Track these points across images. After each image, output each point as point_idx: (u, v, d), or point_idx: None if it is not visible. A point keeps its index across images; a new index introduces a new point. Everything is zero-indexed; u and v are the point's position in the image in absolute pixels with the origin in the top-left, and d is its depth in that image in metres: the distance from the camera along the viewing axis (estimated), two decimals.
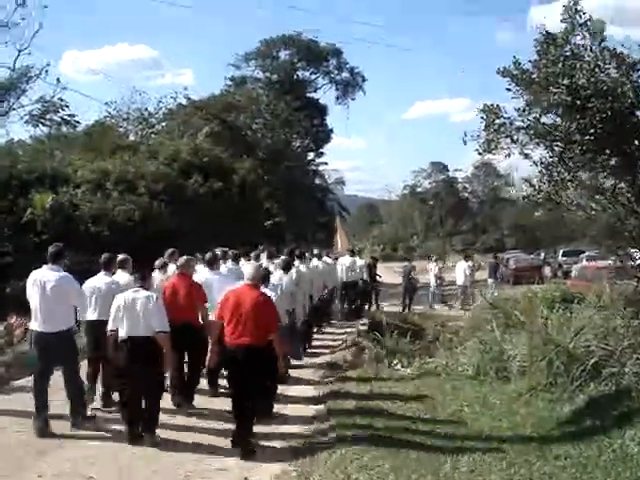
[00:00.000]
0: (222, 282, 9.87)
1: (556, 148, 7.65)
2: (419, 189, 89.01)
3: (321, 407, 9.65)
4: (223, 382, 9.27)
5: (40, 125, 28.67)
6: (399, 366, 12.04)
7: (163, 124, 33.33)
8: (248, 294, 7.78)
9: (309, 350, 14.03)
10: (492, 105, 7.56)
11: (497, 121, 7.51)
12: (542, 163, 7.96)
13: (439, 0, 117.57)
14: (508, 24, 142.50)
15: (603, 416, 8.28)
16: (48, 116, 28.32)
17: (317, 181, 46.51)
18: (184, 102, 33.47)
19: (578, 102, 6.93)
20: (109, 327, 7.95)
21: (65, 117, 28.64)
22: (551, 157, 7.86)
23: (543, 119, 7.57)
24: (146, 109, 33.09)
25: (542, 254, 39.58)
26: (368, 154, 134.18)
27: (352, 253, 21.58)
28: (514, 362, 10.65)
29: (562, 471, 6.78)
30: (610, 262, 28.79)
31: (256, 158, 31.72)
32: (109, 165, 22.71)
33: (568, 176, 7.90)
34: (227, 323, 7.71)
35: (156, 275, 10.26)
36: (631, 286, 18.15)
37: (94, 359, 9.17)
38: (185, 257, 9.91)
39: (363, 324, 18.23)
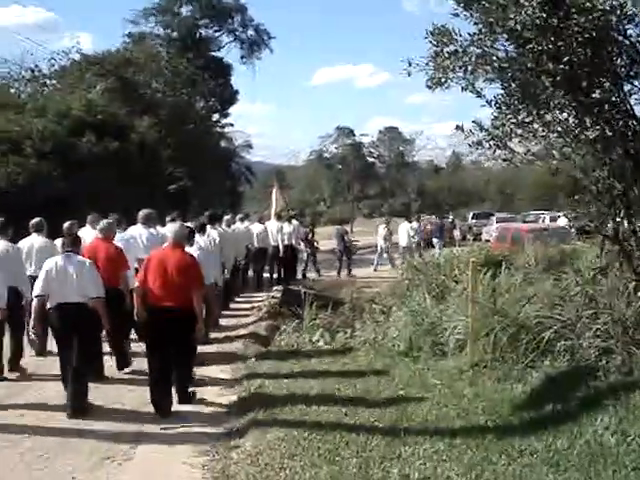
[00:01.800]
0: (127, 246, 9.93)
1: (517, 81, 6.35)
2: (326, 154, 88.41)
3: (240, 389, 8.46)
4: None
5: None
6: (321, 342, 10.65)
7: (55, 82, 30.72)
8: (172, 255, 7.70)
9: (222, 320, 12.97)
10: (443, 27, 6.20)
11: (448, 48, 6.18)
12: (497, 103, 6.68)
13: None
14: None
15: (564, 398, 7.12)
16: None
17: (223, 144, 44.46)
18: (77, 58, 30.94)
19: (555, 20, 5.68)
20: (36, 292, 7.58)
21: None
22: (509, 94, 6.58)
23: (502, 45, 6.27)
24: (37, 66, 30.51)
25: (451, 217, 39.29)
26: (274, 120, 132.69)
27: (278, 217, 20.83)
28: (451, 335, 9.47)
29: (531, 471, 5.55)
30: (536, 224, 28.59)
31: (157, 117, 29.57)
32: None
33: (528, 117, 6.62)
34: (151, 284, 7.59)
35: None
36: (555, 248, 17.67)
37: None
38: (106, 220, 9.73)
39: (275, 295, 16.77)
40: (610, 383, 7.29)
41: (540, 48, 5.91)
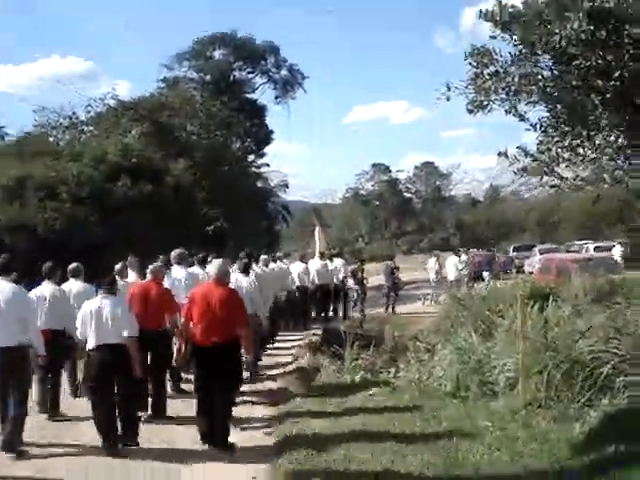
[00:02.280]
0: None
1: (563, 102, 5.94)
2: (362, 192, 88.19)
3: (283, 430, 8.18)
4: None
5: None
6: (364, 384, 10.22)
7: (91, 128, 30.97)
8: (215, 291, 7.74)
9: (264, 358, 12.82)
10: (483, 48, 5.84)
11: (489, 69, 5.81)
12: (542, 126, 6.28)
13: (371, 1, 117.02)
14: (442, 27, 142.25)
15: (628, 438, 6.60)
16: None
17: (259, 184, 44.39)
18: (113, 104, 31.14)
19: (603, 32, 5.30)
20: (78, 336, 7.84)
21: None
22: (555, 116, 6.17)
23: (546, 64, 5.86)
24: (74, 113, 30.80)
25: (493, 250, 38.66)
26: (309, 159, 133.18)
27: (322, 256, 20.62)
28: (501, 374, 8.98)
29: None
30: (580, 254, 27.82)
31: (192, 160, 29.56)
32: (28, 170, 20.41)
33: (576, 140, 6.20)
34: (196, 322, 7.67)
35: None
36: (603, 278, 17.05)
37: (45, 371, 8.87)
38: (157, 263, 9.93)
39: (315, 334, 16.37)
40: None
41: (588, 64, 5.53)
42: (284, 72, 47.02)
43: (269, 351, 13.91)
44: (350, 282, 21.44)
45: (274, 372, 11.92)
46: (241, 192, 35.19)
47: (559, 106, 6.14)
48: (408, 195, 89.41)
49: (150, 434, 8.10)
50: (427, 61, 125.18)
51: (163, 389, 9.21)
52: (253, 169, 43.67)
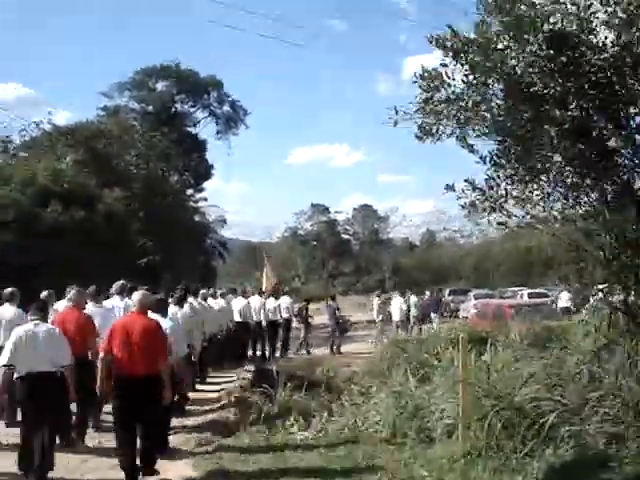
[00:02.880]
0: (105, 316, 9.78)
1: (514, 135, 5.59)
2: (300, 231, 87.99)
3: None
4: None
5: None
6: (295, 428, 9.61)
7: (24, 154, 29.96)
8: (137, 322, 7.57)
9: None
10: (434, 71, 5.48)
11: (440, 94, 5.44)
12: (492, 159, 5.94)
13: (314, 50, 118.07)
14: (384, 75, 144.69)
15: None
16: None
17: (197, 218, 43.69)
18: (48, 129, 30.25)
19: (564, 57, 4.97)
20: (3, 362, 7.30)
21: None
22: (505, 150, 5.83)
23: (499, 93, 5.50)
24: (7, 137, 29.82)
25: (427, 293, 38.46)
26: (249, 198, 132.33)
27: (274, 292, 20.74)
28: (439, 420, 8.55)
29: None
30: (515, 300, 27.94)
31: (129, 190, 28.81)
32: None
33: (527, 176, 5.85)
34: (117, 353, 7.41)
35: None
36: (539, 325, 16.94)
37: None
38: (77, 289, 9.54)
39: (247, 372, 15.72)
40: (626, 475, 6.40)
41: (545, 91, 5.21)
42: (226, 107, 46.81)
43: (202, 387, 13.24)
44: (295, 321, 21.21)
45: (199, 419, 11.22)
46: (178, 225, 34.49)
47: (510, 140, 5.80)
48: (346, 237, 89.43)
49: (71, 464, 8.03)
50: (369, 107, 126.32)
51: (86, 418, 9.13)
52: (191, 203, 43.02)
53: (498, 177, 6.04)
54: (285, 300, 20.50)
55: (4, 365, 7.32)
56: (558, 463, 6.99)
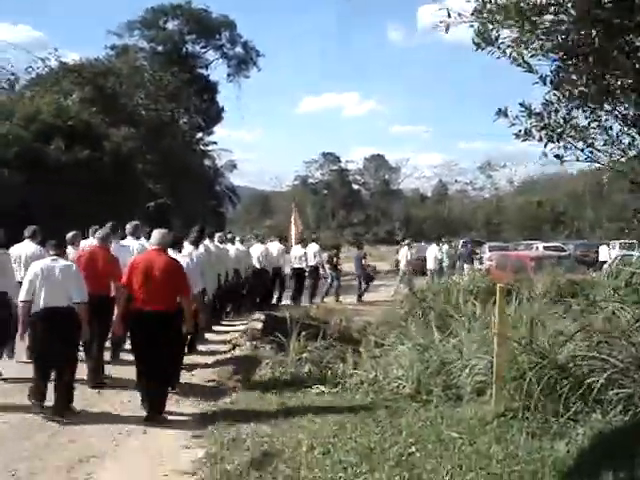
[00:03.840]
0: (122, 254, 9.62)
1: (586, 51, 4.69)
2: (311, 180, 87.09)
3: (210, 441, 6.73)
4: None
5: None
6: (309, 381, 8.90)
7: (30, 91, 28.98)
8: (157, 259, 7.70)
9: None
10: None
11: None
12: (553, 80, 5.04)
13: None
14: (397, 24, 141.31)
15: (623, 460, 5.48)
16: None
17: (206, 162, 42.82)
18: (54, 66, 29.23)
19: None
20: (21, 297, 7.50)
21: None
22: (570, 69, 4.94)
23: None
24: (13, 74, 28.89)
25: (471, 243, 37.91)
26: (260, 147, 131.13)
27: (301, 240, 20.67)
28: (468, 377, 7.83)
29: None
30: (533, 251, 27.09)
31: (136, 130, 27.89)
32: None
33: (598, 97, 4.94)
34: (137, 288, 7.56)
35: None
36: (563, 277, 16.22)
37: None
38: (106, 229, 9.77)
39: (257, 320, 15.05)
40: None
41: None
42: (239, 49, 45.45)
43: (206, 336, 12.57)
44: (326, 268, 20.86)
45: (209, 360, 10.61)
46: (187, 168, 33.69)
47: (576, 59, 4.91)
48: (356, 186, 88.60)
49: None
50: (381, 55, 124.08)
51: (102, 355, 9.16)
52: (201, 146, 42.07)
53: (559, 101, 5.16)
54: (313, 247, 20.15)
55: (22, 300, 7.48)
56: (607, 429, 6.25)
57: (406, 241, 24.61)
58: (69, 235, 10.28)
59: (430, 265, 22.86)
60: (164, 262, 7.68)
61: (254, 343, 11.40)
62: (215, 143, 44.80)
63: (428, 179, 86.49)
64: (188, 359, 9.94)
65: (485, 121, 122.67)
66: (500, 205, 75.27)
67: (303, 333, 10.12)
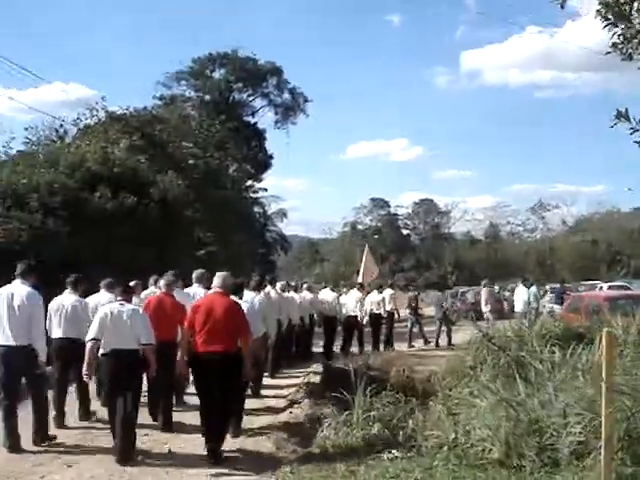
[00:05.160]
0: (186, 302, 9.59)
1: None
2: (360, 226, 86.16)
3: None
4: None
5: None
6: (379, 444, 7.77)
7: (77, 141, 28.75)
8: (218, 301, 7.89)
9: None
10: None
11: None
12: None
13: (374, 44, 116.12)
14: (442, 69, 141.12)
15: None
16: None
17: (256, 209, 42.28)
18: (102, 116, 29.01)
19: None
20: (90, 336, 7.80)
21: None
22: None
23: None
24: (61, 126, 28.75)
25: (496, 288, 36.41)
26: (306, 194, 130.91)
27: (379, 286, 20.45)
28: (568, 437, 6.68)
29: None
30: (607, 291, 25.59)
31: (185, 179, 27.33)
32: None
33: None
34: (199, 330, 7.74)
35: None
36: None
37: (62, 380, 9.33)
38: (169, 276, 9.99)
39: (314, 371, 14.03)
40: None
41: None
42: (286, 95, 45.19)
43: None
44: (406, 312, 21.29)
45: (263, 420, 9.61)
46: (237, 216, 33.08)
47: None
48: (406, 231, 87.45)
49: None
50: (428, 101, 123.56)
51: (171, 400, 9.51)
52: (250, 194, 41.54)
53: None
54: (389, 292, 19.98)
55: (91, 339, 7.77)
56: None
57: (484, 282, 23.56)
58: (132, 283, 9.99)
59: (518, 307, 20.97)
60: (225, 304, 7.86)
61: (313, 399, 10.35)
62: (265, 190, 44.44)
63: (479, 222, 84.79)
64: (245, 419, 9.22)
65: (535, 161, 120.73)
66: (553, 246, 73.39)
67: (368, 388, 9.02)
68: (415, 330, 20.94)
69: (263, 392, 11.80)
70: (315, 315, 17.91)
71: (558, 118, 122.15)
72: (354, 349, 18.92)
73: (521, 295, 21.24)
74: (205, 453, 7.63)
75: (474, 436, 7.37)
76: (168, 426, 9.06)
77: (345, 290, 20.82)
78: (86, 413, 9.54)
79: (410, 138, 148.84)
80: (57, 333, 9.33)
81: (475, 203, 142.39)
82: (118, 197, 19.01)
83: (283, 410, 10.35)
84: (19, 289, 8.07)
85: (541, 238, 78.50)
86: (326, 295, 18.73)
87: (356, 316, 18.78)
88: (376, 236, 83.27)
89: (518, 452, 6.91)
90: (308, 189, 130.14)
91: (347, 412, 8.60)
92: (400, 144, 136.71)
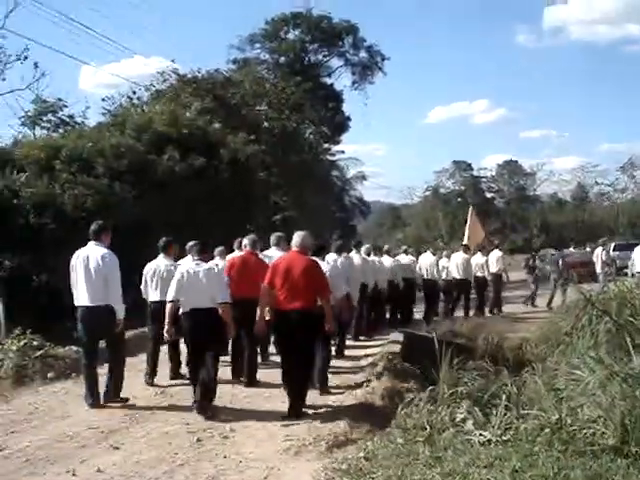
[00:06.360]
0: None
1: None
2: (442, 190, 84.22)
3: None
4: None
5: (37, 127, 25.54)
6: (469, 423, 6.70)
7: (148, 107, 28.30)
8: (298, 260, 8.02)
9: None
10: None
11: None
12: None
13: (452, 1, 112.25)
14: (524, 26, 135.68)
15: None
16: (45, 118, 25.36)
17: (334, 173, 41.19)
18: (174, 81, 28.41)
19: None
20: (169, 297, 8.07)
21: (64, 117, 25.33)
22: None
23: None
24: (134, 92, 28.31)
25: (587, 249, 34.61)
26: (386, 160, 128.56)
27: (482, 248, 20.64)
28: None
29: None
30: None
31: (259, 141, 26.47)
32: (60, 140, 17.62)
33: None
34: (278, 289, 7.87)
35: None
36: None
37: (157, 341, 9.65)
38: (252, 236, 10.43)
39: (395, 341, 13.05)
40: None
41: None
42: (362, 54, 43.71)
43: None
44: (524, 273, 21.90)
45: (335, 398, 8.70)
46: (315, 180, 32.17)
47: None
48: (490, 194, 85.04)
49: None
50: (509, 59, 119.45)
51: (256, 356, 9.76)
52: (328, 157, 40.42)
53: None
54: (496, 254, 19.90)
55: (170, 300, 8.05)
56: None
57: (601, 240, 23.34)
58: (218, 249, 10.77)
59: (638, 267, 19.53)
60: (304, 262, 7.96)
61: (393, 372, 9.35)
62: (343, 152, 43.22)
63: (566, 183, 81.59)
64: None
65: (625, 120, 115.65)
66: None
67: (455, 359, 7.92)
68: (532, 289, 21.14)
69: (341, 363, 11.09)
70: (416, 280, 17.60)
71: None
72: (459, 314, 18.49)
73: None
74: (286, 410, 7.72)
75: (582, 417, 6.22)
76: (251, 381, 9.36)
77: (446, 253, 19.89)
78: (175, 373, 9.90)
79: (492, 99, 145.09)
80: (154, 296, 9.67)
81: (562, 164, 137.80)
82: (187, 159, 18.28)
83: (360, 384, 9.40)
84: (94, 251, 8.21)
85: (632, 199, 75.00)
86: (426, 259, 18.26)
87: (463, 279, 18.45)
88: (459, 200, 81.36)
89: (637, 437, 5.75)
90: (388, 154, 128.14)
91: (431, 387, 7.52)
92: (481, 105, 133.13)
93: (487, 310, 19.49)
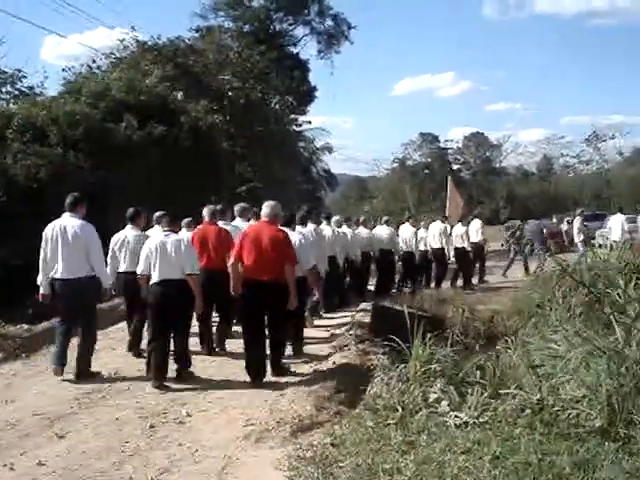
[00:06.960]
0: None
1: None
2: (409, 162, 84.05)
3: None
4: None
5: None
6: (444, 404, 6.23)
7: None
8: (266, 230, 8.05)
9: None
10: None
11: None
12: None
13: None
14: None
15: None
16: (4, 89, 23.71)
17: (301, 144, 40.40)
18: (133, 47, 27.40)
19: None
20: (139, 270, 8.10)
21: (23, 89, 23.70)
22: None
23: None
24: (94, 61, 27.24)
25: (554, 220, 34.59)
26: (353, 132, 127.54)
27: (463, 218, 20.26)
28: None
29: None
30: None
31: (223, 111, 25.73)
32: (13, 108, 16.77)
33: None
34: (246, 260, 7.94)
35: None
36: None
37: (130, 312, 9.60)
38: (211, 206, 10.13)
39: (361, 310, 12.66)
40: None
41: None
42: (328, 22, 42.73)
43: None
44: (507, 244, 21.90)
45: (303, 372, 8.25)
46: (280, 150, 31.49)
47: None
48: (457, 166, 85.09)
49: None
50: (475, 32, 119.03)
51: (229, 326, 10.00)
52: (294, 127, 39.62)
53: None
54: (475, 224, 19.54)
55: (140, 274, 8.09)
56: None
57: (578, 210, 23.13)
58: (186, 220, 10.28)
59: (615, 236, 19.29)
60: (271, 233, 7.95)
61: (361, 346, 8.90)
62: (309, 122, 42.37)
63: (532, 155, 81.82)
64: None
65: (589, 92, 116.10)
66: (610, 178, 70.49)
67: (427, 334, 7.42)
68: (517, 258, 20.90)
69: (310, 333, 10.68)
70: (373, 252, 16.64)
71: (613, 47, 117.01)
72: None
73: (619, 223, 20.08)
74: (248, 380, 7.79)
75: (565, 397, 5.79)
76: (221, 347, 9.54)
77: (423, 223, 19.44)
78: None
79: (457, 72, 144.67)
80: (122, 267, 9.44)
81: (527, 136, 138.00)
82: (146, 127, 17.54)
83: (326, 358, 8.93)
84: (70, 221, 8.07)
85: (597, 170, 75.49)
86: (405, 231, 17.91)
87: (439, 248, 18.19)
88: (426, 171, 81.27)
89: (626, 418, 5.35)
90: (355, 127, 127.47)
91: (402, 364, 7.03)
92: (447, 78, 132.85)
93: (477, 281, 19.46)
